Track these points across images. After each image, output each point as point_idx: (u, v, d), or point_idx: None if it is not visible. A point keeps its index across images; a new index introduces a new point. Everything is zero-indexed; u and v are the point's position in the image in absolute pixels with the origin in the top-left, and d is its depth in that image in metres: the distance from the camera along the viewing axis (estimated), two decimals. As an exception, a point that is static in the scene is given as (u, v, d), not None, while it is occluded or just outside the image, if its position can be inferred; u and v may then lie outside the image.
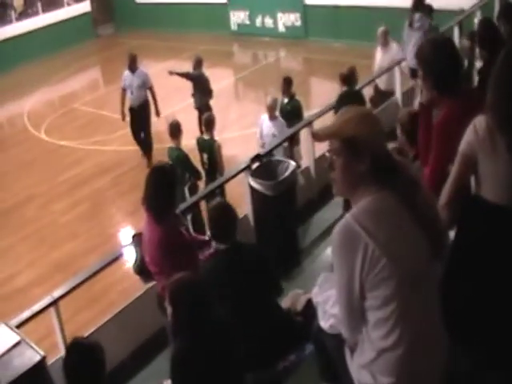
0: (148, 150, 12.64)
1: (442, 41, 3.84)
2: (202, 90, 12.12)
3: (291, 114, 9.96)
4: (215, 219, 4.57)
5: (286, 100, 10.26)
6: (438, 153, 3.58)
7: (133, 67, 12.36)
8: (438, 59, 3.57)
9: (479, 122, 2.94)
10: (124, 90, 12.43)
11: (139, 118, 12.48)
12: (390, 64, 10.66)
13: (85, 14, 23.20)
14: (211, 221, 4.62)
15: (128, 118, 12.61)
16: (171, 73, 12.40)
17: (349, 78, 9.23)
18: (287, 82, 10.22)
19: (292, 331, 4.37)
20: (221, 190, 8.39)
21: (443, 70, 3.57)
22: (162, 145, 11.26)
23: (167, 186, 4.77)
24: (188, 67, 12.89)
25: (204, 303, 3.81)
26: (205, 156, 9.29)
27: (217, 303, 4.06)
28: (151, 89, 12.47)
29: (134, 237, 5.15)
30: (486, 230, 2.87)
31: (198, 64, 12.22)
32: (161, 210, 4.75)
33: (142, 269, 5.08)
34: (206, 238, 5.16)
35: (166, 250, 4.72)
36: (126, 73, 12.42)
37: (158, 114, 12.63)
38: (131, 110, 12.48)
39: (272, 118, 9.40)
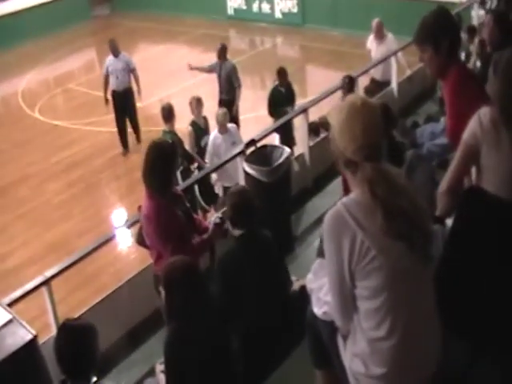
0: (136, 129, 12.89)
1: (445, 10, 3.91)
2: (226, 82, 11.65)
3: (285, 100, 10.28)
4: (234, 204, 4.48)
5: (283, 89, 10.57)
6: (453, 112, 3.69)
7: (115, 52, 12.45)
8: (446, 26, 3.66)
9: (484, 113, 2.98)
10: (106, 77, 12.53)
11: (125, 102, 12.56)
12: (386, 54, 10.66)
13: (81, -6, 23.04)
14: (230, 205, 4.52)
15: (111, 103, 12.74)
16: (191, 68, 12.20)
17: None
18: (283, 74, 10.51)
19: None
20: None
21: (453, 35, 3.66)
22: (156, 128, 11.23)
23: (162, 163, 4.74)
24: (185, 51, 12.81)
25: (198, 287, 3.82)
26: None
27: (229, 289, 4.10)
28: (134, 71, 12.58)
29: (139, 207, 5.18)
30: (484, 221, 2.89)
31: (221, 52, 11.71)
32: (154, 186, 4.76)
33: (141, 239, 5.13)
34: (208, 223, 5.15)
35: (154, 226, 4.76)
36: (110, 58, 12.52)
37: (139, 93, 12.73)
38: (116, 94, 12.53)
39: (224, 131, 9.00)
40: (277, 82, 10.71)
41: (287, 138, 9.76)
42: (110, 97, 12.69)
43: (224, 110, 9.37)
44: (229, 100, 11.47)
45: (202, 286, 3.91)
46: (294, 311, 4.11)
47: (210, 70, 11.94)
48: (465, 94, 3.61)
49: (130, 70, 12.52)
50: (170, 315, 3.91)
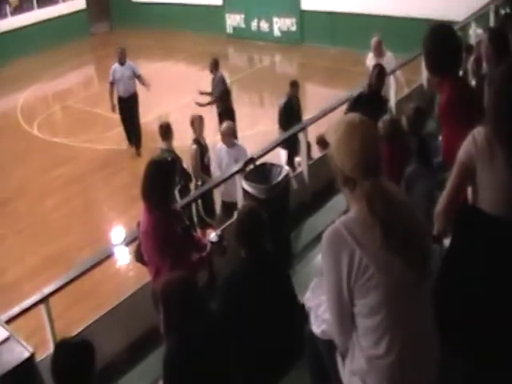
0: (137, 141, 13.33)
1: (440, 27, 3.97)
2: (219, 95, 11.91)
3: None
4: (242, 223, 4.26)
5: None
6: (448, 131, 3.85)
7: (122, 60, 13.04)
8: (435, 43, 3.77)
9: (478, 133, 2.99)
10: (112, 84, 13.04)
11: (129, 108, 13.11)
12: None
13: (80, 11, 23.18)
14: (238, 224, 4.30)
15: (117, 110, 13.21)
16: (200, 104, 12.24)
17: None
18: (297, 86, 10.71)
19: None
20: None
21: (444, 51, 3.76)
22: (154, 144, 11.25)
23: (161, 177, 4.79)
24: (183, 68, 12.90)
25: (195, 303, 3.82)
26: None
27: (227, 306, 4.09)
28: (140, 77, 13.23)
29: (138, 224, 5.19)
30: (481, 240, 2.89)
31: (212, 66, 12.11)
32: (153, 201, 4.79)
33: (140, 256, 5.13)
34: (207, 240, 5.15)
35: (153, 241, 4.78)
36: (116, 66, 13.05)
37: (148, 88, 13.30)
38: (121, 100, 13.05)
39: (230, 145, 8.87)
40: (289, 95, 10.68)
41: (292, 155, 9.80)
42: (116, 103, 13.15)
43: (230, 122, 9.40)
44: (225, 110, 11.55)
45: (200, 302, 3.90)
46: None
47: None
48: (455, 109, 3.70)
49: (137, 77, 13.09)
50: (168, 331, 3.90)
